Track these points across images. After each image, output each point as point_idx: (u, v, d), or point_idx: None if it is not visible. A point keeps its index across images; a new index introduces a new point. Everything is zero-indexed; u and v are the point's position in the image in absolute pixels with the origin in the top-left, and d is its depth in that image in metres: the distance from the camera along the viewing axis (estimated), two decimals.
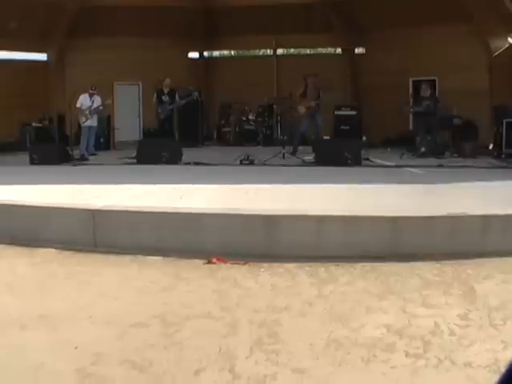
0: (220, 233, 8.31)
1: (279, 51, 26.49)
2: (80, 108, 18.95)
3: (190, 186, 11.58)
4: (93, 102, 19.03)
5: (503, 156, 16.93)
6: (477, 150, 17.54)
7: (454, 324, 5.47)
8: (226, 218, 8.46)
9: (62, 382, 4.63)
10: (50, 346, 5.24)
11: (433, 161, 15.98)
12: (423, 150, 17.50)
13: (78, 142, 19.10)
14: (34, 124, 22.54)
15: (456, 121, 18.32)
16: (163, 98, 20.85)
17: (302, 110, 18.48)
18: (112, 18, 23.52)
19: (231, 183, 11.81)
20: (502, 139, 17.53)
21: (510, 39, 21.30)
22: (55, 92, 23.50)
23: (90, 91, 19.05)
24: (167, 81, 21.09)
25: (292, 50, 28.59)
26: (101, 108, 19.32)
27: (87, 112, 18.91)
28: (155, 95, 20.97)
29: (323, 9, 23.96)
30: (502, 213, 8.37)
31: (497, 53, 21.17)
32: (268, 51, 27.57)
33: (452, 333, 5.28)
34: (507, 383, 1.80)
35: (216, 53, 28.44)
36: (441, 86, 21.37)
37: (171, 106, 20.68)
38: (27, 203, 9.78)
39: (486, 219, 8.23)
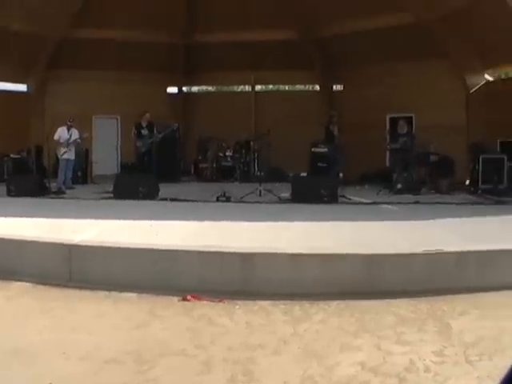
0: (195, 270, 8.28)
1: (258, 87, 26.65)
2: (58, 141, 18.92)
3: (166, 222, 11.55)
4: (70, 134, 19.00)
5: (479, 192, 17.08)
6: (453, 186, 17.65)
7: (430, 361, 5.46)
8: (202, 255, 8.43)
9: None
10: (23, 381, 5.20)
11: (409, 197, 16.03)
12: (400, 186, 17.57)
13: (55, 175, 19.07)
14: (12, 155, 22.47)
15: (433, 157, 18.44)
16: (142, 131, 20.89)
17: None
18: (92, 51, 23.59)
19: (207, 220, 11.79)
20: (478, 175, 17.67)
21: (486, 75, 21.56)
22: (34, 123, 23.51)
23: (68, 123, 19.03)
24: (147, 115, 21.15)
25: (270, 86, 28.76)
26: (78, 141, 19.31)
27: (65, 145, 18.88)
28: (134, 129, 20.98)
29: (301, 46, 24.16)
30: (477, 249, 8.41)
31: (473, 89, 21.39)
32: (246, 87, 27.73)
33: (427, 369, 5.28)
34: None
35: (195, 88, 28.49)
36: (418, 122, 21.54)
37: (151, 140, 20.68)
38: (2, 236, 9.71)
39: (462, 255, 8.27)
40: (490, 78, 22.21)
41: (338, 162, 20.25)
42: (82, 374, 5.33)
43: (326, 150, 20.99)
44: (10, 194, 16.89)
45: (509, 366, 1.82)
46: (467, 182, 18.75)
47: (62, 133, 19.00)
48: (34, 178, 18.49)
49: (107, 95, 23.99)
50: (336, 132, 20.39)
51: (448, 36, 21.03)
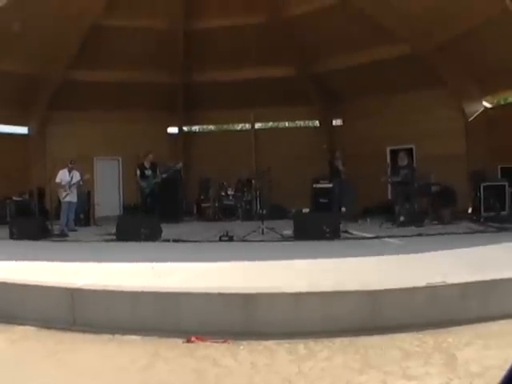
0: (198, 312, 8.26)
1: (257, 125, 26.75)
2: (59, 183, 18.97)
3: (169, 264, 11.54)
4: (72, 177, 19.05)
5: (482, 220, 17.08)
6: (456, 215, 17.66)
7: None
8: (205, 296, 8.41)
9: None
10: None
11: (412, 230, 16.03)
12: (402, 218, 17.57)
13: (57, 217, 19.11)
14: (14, 198, 22.53)
15: (434, 188, 18.49)
16: (146, 172, 20.97)
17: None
18: (92, 93, 23.72)
19: (210, 261, 11.78)
20: (480, 203, 17.69)
21: (484, 102, 21.64)
22: (36, 165, 23.60)
23: (69, 166, 19.08)
24: (150, 156, 21.23)
25: (270, 123, 28.87)
26: (80, 183, 19.35)
27: (67, 187, 18.91)
28: (138, 170, 21.05)
29: (299, 82, 24.29)
30: (481, 279, 8.39)
31: (472, 117, 21.47)
32: (246, 125, 27.83)
33: None
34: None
35: (195, 127, 28.62)
36: (418, 153, 21.62)
37: (155, 180, 20.78)
38: (5, 280, 9.72)
39: (465, 286, 8.23)
40: (489, 105, 22.30)
41: (345, 195, 20.29)
42: None
43: (330, 185, 21.05)
44: (12, 236, 16.93)
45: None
46: (469, 211, 18.77)
47: (63, 175, 19.06)
48: (36, 221, 18.54)
49: (108, 136, 24.11)
50: (341, 167, 20.44)
51: (445, 65, 21.16)
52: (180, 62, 24.98)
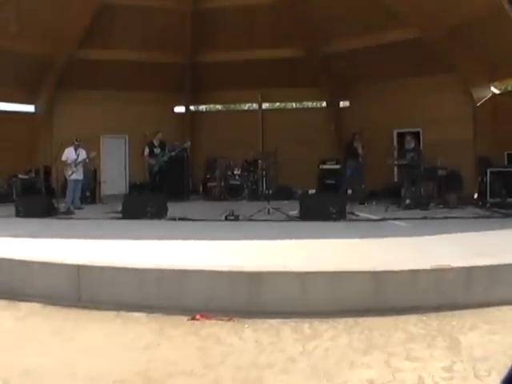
0: (204, 289, 8.28)
1: (265, 105, 26.69)
2: (65, 161, 18.96)
3: (175, 241, 11.56)
4: (78, 155, 19.03)
5: (488, 205, 17.04)
6: (461, 200, 17.62)
7: (439, 377, 5.44)
8: (210, 274, 8.42)
9: None
10: None
11: (418, 213, 16.03)
12: (408, 202, 17.56)
13: (64, 195, 19.14)
14: (20, 176, 22.54)
15: (440, 172, 18.42)
16: (155, 150, 21.04)
17: None
18: (100, 72, 23.71)
19: (216, 239, 11.80)
20: (486, 189, 17.64)
21: (492, 88, 21.56)
22: (42, 144, 23.59)
23: (75, 143, 19.07)
24: (159, 134, 21.33)
25: (277, 104, 28.81)
26: (86, 161, 19.34)
27: (73, 165, 18.91)
28: (147, 148, 21.10)
29: (308, 63, 24.20)
30: (486, 263, 8.38)
31: (480, 102, 21.39)
32: (254, 105, 27.78)
33: None
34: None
35: (202, 107, 28.55)
36: (425, 137, 21.57)
37: (164, 158, 20.85)
38: (12, 257, 9.75)
39: (470, 270, 8.22)
40: (497, 91, 22.21)
41: (358, 179, 20.27)
42: None
43: (337, 166, 21.07)
44: (18, 214, 16.94)
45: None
46: (475, 196, 18.73)
47: (69, 153, 19.05)
48: (42, 199, 18.55)
49: (115, 115, 24.08)
50: (360, 150, 20.34)
51: (454, 50, 21.07)
52: (188, 42, 24.93)
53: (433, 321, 7.23)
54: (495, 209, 16.30)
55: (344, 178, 20.56)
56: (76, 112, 23.81)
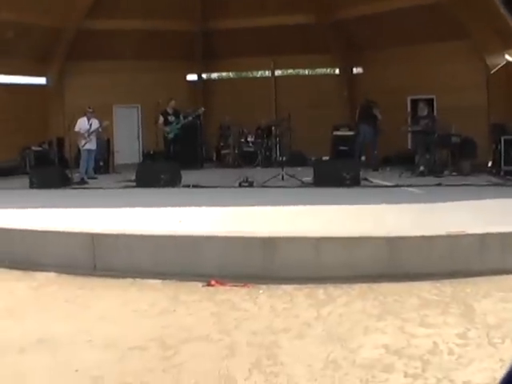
0: (219, 255, 8.31)
1: (277, 72, 26.55)
2: (79, 132, 18.97)
3: (189, 208, 11.58)
4: (91, 124, 19.02)
5: (502, 173, 16.94)
6: (475, 168, 17.53)
7: (453, 343, 5.46)
8: (225, 240, 8.45)
9: None
10: (49, 369, 5.25)
11: (432, 179, 15.96)
12: (422, 168, 17.49)
13: (77, 166, 19.16)
14: (33, 148, 22.53)
15: (454, 139, 18.29)
16: (169, 118, 21.08)
17: None
18: (110, 42, 23.58)
19: (230, 205, 11.81)
20: (500, 157, 17.53)
21: (507, 56, 21.37)
22: (54, 115, 23.55)
23: (88, 112, 19.05)
24: (172, 102, 21.35)
25: (290, 70, 28.67)
26: (99, 130, 19.34)
27: (86, 135, 18.92)
28: (161, 117, 21.11)
29: (320, 29, 24.04)
30: (501, 231, 8.36)
31: (494, 70, 21.23)
32: (266, 72, 27.66)
33: (451, 352, 5.28)
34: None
35: (214, 75, 28.43)
36: (439, 104, 21.43)
37: (179, 125, 20.89)
38: (26, 227, 9.79)
39: (485, 237, 8.21)
40: (511, 59, 22.01)
41: (374, 145, 20.22)
42: (106, 361, 5.38)
43: (351, 133, 21.01)
44: (32, 186, 16.94)
45: None
46: (489, 164, 18.62)
47: (82, 123, 19.04)
48: (56, 170, 18.58)
49: (127, 85, 24.00)
50: (379, 116, 20.20)
51: (468, 16, 20.84)
52: (198, 9, 24.79)
53: (447, 287, 7.23)
54: (509, 177, 16.20)
55: (356, 143, 20.49)
56: (87, 83, 23.73)
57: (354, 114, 21.45)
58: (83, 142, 19.00)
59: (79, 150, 19.60)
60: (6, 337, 6.04)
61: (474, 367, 4.95)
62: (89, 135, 18.94)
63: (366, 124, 20.16)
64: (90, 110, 19.10)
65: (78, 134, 19.00)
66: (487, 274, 7.62)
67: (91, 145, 19.18)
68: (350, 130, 21.50)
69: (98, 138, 19.66)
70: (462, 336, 5.63)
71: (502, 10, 1.85)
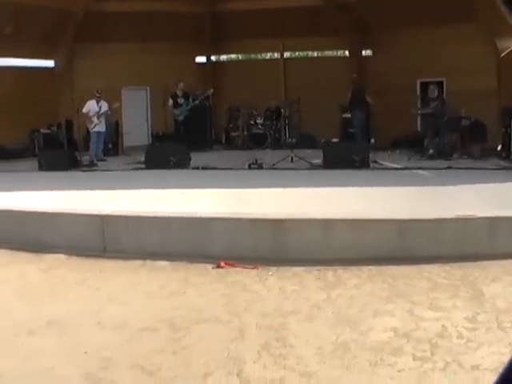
0: (228, 237, 8.32)
1: (286, 54, 26.48)
2: (87, 114, 18.97)
3: (199, 190, 11.59)
4: (100, 107, 19.04)
5: (511, 157, 16.87)
6: (485, 151, 17.47)
7: (462, 327, 5.47)
8: (234, 222, 8.46)
9: None
10: (59, 351, 5.28)
11: (441, 163, 15.92)
12: (431, 151, 17.44)
13: (86, 148, 19.18)
14: (42, 130, 22.52)
15: (464, 122, 18.24)
16: (178, 100, 21.08)
17: None
18: (118, 24, 23.52)
19: (240, 187, 11.80)
20: (510, 140, 17.44)
21: None
22: (63, 98, 23.52)
23: (97, 95, 19.06)
24: (181, 84, 21.34)
25: (299, 53, 28.60)
26: (108, 112, 19.35)
27: (95, 117, 18.93)
28: (170, 99, 21.12)
29: (330, 11, 23.94)
30: (510, 215, 8.34)
31: (504, 53, 21.13)
32: (275, 54, 27.56)
33: (459, 336, 5.29)
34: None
35: (223, 57, 28.34)
36: (448, 87, 21.33)
37: (188, 107, 20.91)
38: (36, 209, 9.82)
39: (494, 221, 8.20)
40: None
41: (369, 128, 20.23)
42: (116, 342, 5.41)
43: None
44: (41, 168, 16.97)
45: None
46: (499, 148, 18.54)
47: (91, 106, 19.05)
48: (65, 152, 18.59)
49: (135, 67, 23.95)
50: (371, 101, 20.20)
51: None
52: None
53: (456, 271, 7.23)
54: None
55: (356, 130, 20.50)
56: (96, 65, 23.68)
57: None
58: (92, 124, 19.01)
59: (88, 132, 19.62)
60: (16, 319, 6.07)
61: (483, 351, 4.96)
62: (98, 117, 18.94)
63: (359, 110, 20.16)
64: (98, 96, 19.10)
65: (87, 115, 19.00)
66: (496, 257, 7.60)
67: (101, 127, 19.19)
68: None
69: (106, 120, 19.66)
70: (471, 320, 5.64)
71: (503, 9, 1.84)
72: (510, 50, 20.83)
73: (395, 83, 20.93)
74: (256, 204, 9.82)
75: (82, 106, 18.88)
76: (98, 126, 19.05)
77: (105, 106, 19.12)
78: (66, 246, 8.90)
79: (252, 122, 22.39)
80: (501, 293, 6.45)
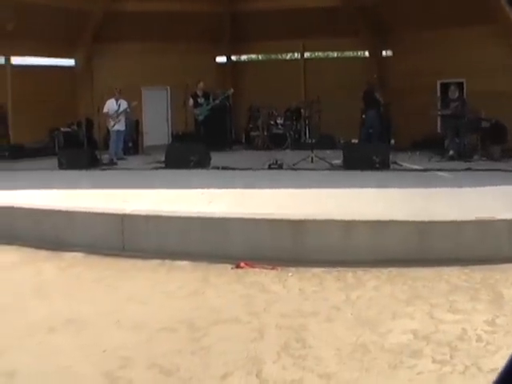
0: (248, 237, 8.33)
1: (306, 55, 26.48)
2: (107, 113, 19.03)
3: (219, 190, 11.59)
4: (119, 105, 19.08)
5: None
6: (505, 153, 17.38)
7: (481, 330, 5.44)
8: (254, 222, 8.46)
9: None
10: (77, 349, 5.30)
11: (461, 164, 15.85)
12: (452, 153, 17.37)
13: (106, 147, 19.23)
14: (62, 129, 22.61)
15: (484, 123, 18.15)
16: (199, 100, 21.12)
17: None
18: (138, 24, 23.59)
19: (260, 188, 11.80)
20: None
21: None
22: (83, 97, 23.63)
23: (116, 94, 19.12)
24: (201, 84, 21.38)
25: (319, 53, 28.59)
26: (128, 111, 19.39)
27: (115, 116, 18.98)
28: (191, 99, 21.16)
29: (350, 12, 23.91)
30: None
31: None
32: (295, 55, 27.57)
33: (479, 339, 5.26)
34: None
35: (243, 57, 28.39)
36: (469, 88, 21.24)
37: (209, 106, 20.95)
38: (55, 207, 9.85)
39: None
40: None
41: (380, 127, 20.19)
42: (134, 342, 5.42)
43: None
44: (61, 167, 17.02)
45: None
46: None
47: (110, 105, 19.10)
48: (85, 151, 18.62)
49: (155, 67, 23.99)
50: (382, 100, 20.24)
51: (497, 0, 20.65)
52: None
53: (476, 273, 7.19)
54: None
55: (362, 132, 20.52)
56: (116, 65, 23.76)
57: (385, 96, 21.34)
58: (112, 123, 19.06)
59: (108, 131, 19.67)
60: (35, 317, 6.10)
61: (502, 354, 4.92)
62: (117, 116, 18.99)
63: (373, 110, 20.15)
64: (118, 91, 19.15)
65: (107, 115, 19.06)
66: None
67: (120, 126, 19.25)
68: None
69: (126, 119, 19.71)
70: (491, 323, 5.62)
71: (508, 9, 1.83)
72: None
73: (415, 84, 20.89)
74: (276, 204, 9.82)
75: (102, 106, 18.93)
76: (118, 125, 19.11)
77: (124, 104, 19.16)
78: (84, 244, 8.94)
79: (272, 123, 22.38)
80: None
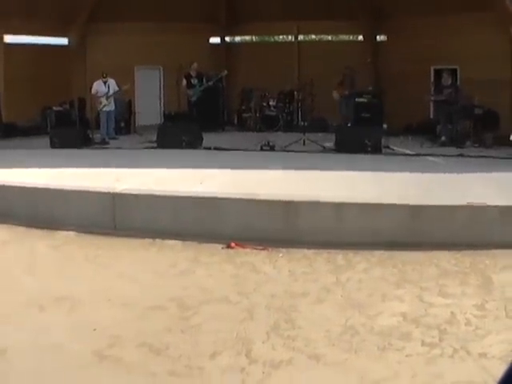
0: (239, 218, 8.33)
1: (301, 37, 26.39)
2: (95, 95, 18.96)
3: (210, 170, 11.57)
4: (108, 87, 19.01)
5: None
6: (497, 140, 17.39)
7: (471, 314, 5.48)
8: (246, 203, 8.47)
9: (80, 363, 4.68)
10: (68, 327, 5.31)
11: (453, 150, 15.85)
12: (444, 138, 17.39)
13: (98, 126, 19.13)
14: (54, 108, 22.49)
15: (477, 110, 18.15)
16: (192, 81, 21.06)
17: (336, 95, 19.88)
18: (133, 3, 23.47)
19: (251, 169, 11.79)
20: None
21: None
22: (76, 76, 23.51)
23: (103, 79, 19.06)
24: (195, 65, 21.28)
25: (313, 36, 28.50)
26: (118, 92, 19.31)
27: (104, 98, 18.91)
28: (184, 80, 21.10)
29: None
30: None
31: None
32: (289, 37, 27.48)
33: (468, 323, 5.30)
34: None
35: (237, 38, 28.25)
36: (462, 74, 21.22)
37: (202, 88, 20.89)
38: (48, 186, 9.83)
39: (505, 210, 8.18)
40: None
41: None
42: (125, 320, 5.44)
43: (374, 100, 20.88)
44: (53, 146, 16.95)
45: None
46: (511, 137, 18.47)
47: (98, 86, 18.98)
48: (77, 130, 18.53)
49: (149, 46, 23.87)
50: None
51: None
52: None
53: (466, 258, 7.23)
54: None
55: (342, 115, 20.59)
56: (109, 44, 23.62)
57: (378, 81, 21.35)
58: (101, 105, 18.98)
59: (98, 113, 19.59)
60: (26, 294, 6.11)
61: (491, 339, 4.97)
62: (107, 98, 18.92)
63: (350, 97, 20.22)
64: (104, 79, 19.07)
65: (95, 97, 18.98)
66: (507, 246, 7.58)
67: (109, 106, 19.16)
68: (373, 97, 21.37)
69: (116, 99, 19.63)
70: (480, 307, 5.65)
71: (508, 3, 1.84)
72: None
73: (409, 69, 20.86)
74: (268, 185, 9.81)
75: (90, 87, 18.89)
76: (107, 106, 19.02)
77: (113, 85, 19.06)
78: (76, 223, 8.94)
79: (265, 104, 22.31)
80: (510, 281, 6.46)
